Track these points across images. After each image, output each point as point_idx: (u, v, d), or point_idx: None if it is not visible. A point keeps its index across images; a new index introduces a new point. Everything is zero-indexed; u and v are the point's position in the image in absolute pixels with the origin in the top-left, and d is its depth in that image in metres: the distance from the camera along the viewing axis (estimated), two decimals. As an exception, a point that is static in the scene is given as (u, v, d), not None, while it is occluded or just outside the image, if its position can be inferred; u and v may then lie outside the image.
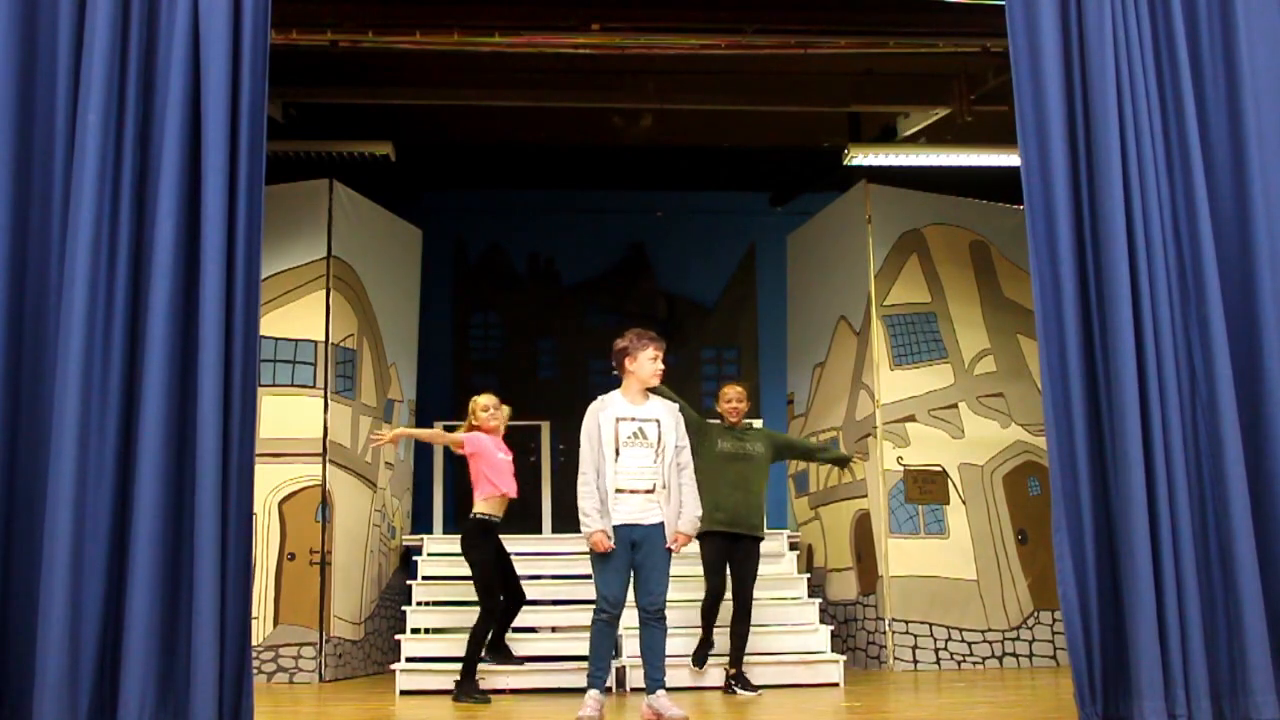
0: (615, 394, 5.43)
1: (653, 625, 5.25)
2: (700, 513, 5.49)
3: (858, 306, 8.31)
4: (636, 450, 5.24)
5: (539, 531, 8.89)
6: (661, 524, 5.25)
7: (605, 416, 5.31)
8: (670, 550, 5.28)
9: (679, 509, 5.29)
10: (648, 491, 5.24)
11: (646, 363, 5.35)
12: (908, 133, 8.49)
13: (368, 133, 8.27)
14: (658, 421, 5.33)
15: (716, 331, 11.04)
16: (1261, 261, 4.34)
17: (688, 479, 5.37)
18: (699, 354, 11.01)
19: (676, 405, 5.55)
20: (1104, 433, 4.24)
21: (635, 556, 5.21)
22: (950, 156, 8.37)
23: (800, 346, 9.48)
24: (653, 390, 5.47)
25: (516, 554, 7.91)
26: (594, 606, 5.27)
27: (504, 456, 6.54)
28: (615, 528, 5.20)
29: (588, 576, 7.68)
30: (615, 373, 5.51)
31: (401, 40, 6.56)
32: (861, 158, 8.46)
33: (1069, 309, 4.29)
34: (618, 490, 5.20)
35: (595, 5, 6.44)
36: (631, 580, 5.30)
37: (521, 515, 9.80)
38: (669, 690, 5.37)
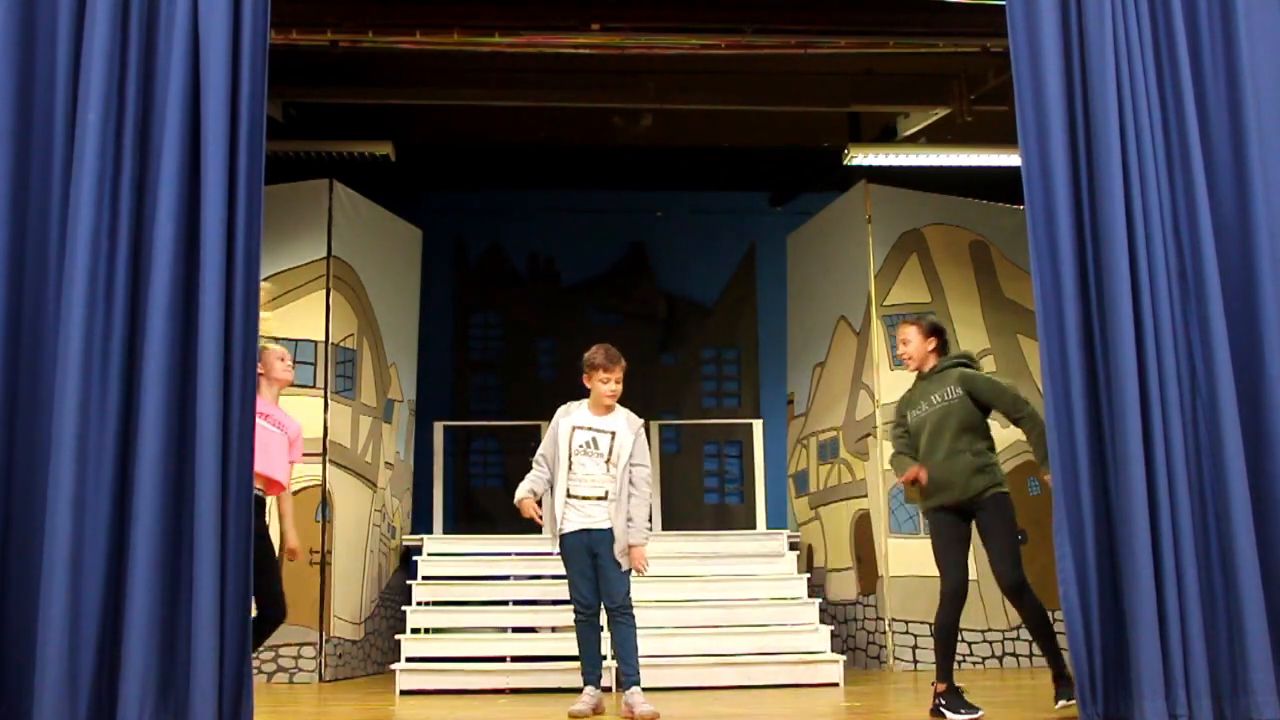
0: (583, 403, 5.64)
1: (619, 621, 5.41)
2: (648, 528, 5.58)
3: (858, 306, 8.31)
4: (586, 459, 5.48)
5: (539, 531, 8.87)
6: (611, 529, 5.42)
7: (565, 424, 5.56)
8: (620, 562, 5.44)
9: (627, 520, 5.43)
10: (599, 498, 5.46)
11: (598, 384, 5.55)
12: (908, 133, 8.50)
13: (368, 133, 8.28)
14: (613, 434, 5.53)
15: (716, 331, 11.04)
16: (1262, 260, 4.34)
17: (638, 500, 5.51)
18: (699, 354, 11.02)
19: (640, 423, 5.66)
20: (1104, 432, 4.24)
21: (596, 558, 5.42)
22: (950, 156, 8.38)
23: (800, 346, 9.48)
24: None
25: (517, 554, 7.95)
26: (572, 608, 5.53)
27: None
28: (573, 533, 5.45)
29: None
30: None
31: (401, 40, 6.56)
32: (861, 158, 8.46)
33: (1069, 309, 4.29)
34: (570, 496, 5.45)
35: (595, 5, 6.45)
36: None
37: (521, 515, 9.84)
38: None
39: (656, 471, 5.77)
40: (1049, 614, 5.26)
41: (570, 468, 5.47)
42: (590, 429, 5.53)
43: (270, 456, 5.28)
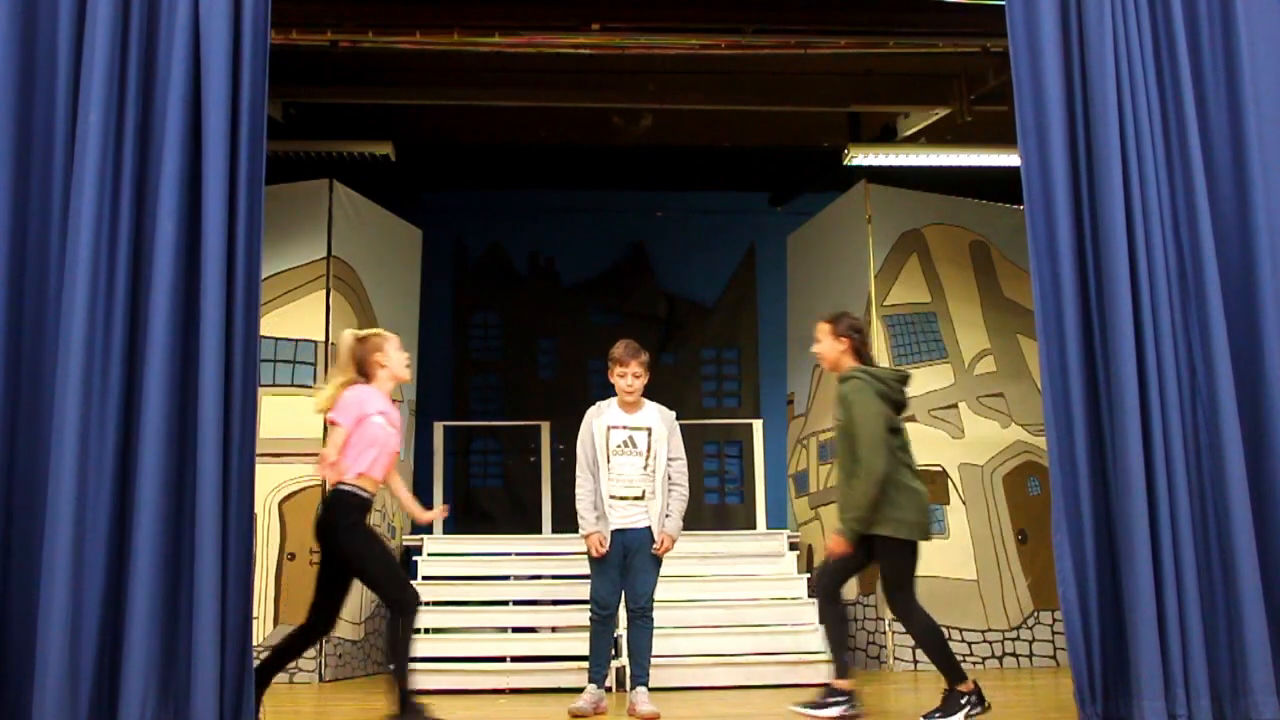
0: (612, 401, 5.61)
1: (639, 623, 5.44)
2: (680, 524, 5.49)
3: (858, 306, 8.31)
4: (626, 458, 5.44)
5: (539, 531, 8.89)
6: (649, 528, 5.43)
7: (599, 424, 5.53)
8: (655, 554, 5.45)
9: (664, 513, 5.45)
10: (637, 498, 5.44)
11: (615, 378, 5.55)
12: (908, 133, 8.49)
13: (368, 133, 8.28)
14: (649, 430, 5.51)
15: (716, 331, 11.04)
16: (1262, 261, 4.34)
17: (678, 494, 5.51)
18: (699, 354, 11.02)
19: (673, 415, 5.65)
20: (1104, 432, 4.24)
21: (627, 558, 5.41)
22: (950, 156, 8.37)
23: (800, 346, 9.46)
24: None
25: (517, 554, 7.95)
26: (589, 607, 5.50)
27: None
28: (611, 533, 5.42)
29: (586, 576, 7.72)
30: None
31: (401, 40, 6.56)
32: (861, 158, 8.46)
33: (1069, 309, 4.29)
34: (610, 496, 5.41)
35: (595, 5, 6.45)
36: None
37: (521, 515, 9.85)
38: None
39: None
40: (942, 631, 5.04)
41: (609, 467, 5.44)
42: (626, 427, 5.49)
43: (390, 456, 4.83)
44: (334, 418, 4.72)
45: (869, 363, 5.06)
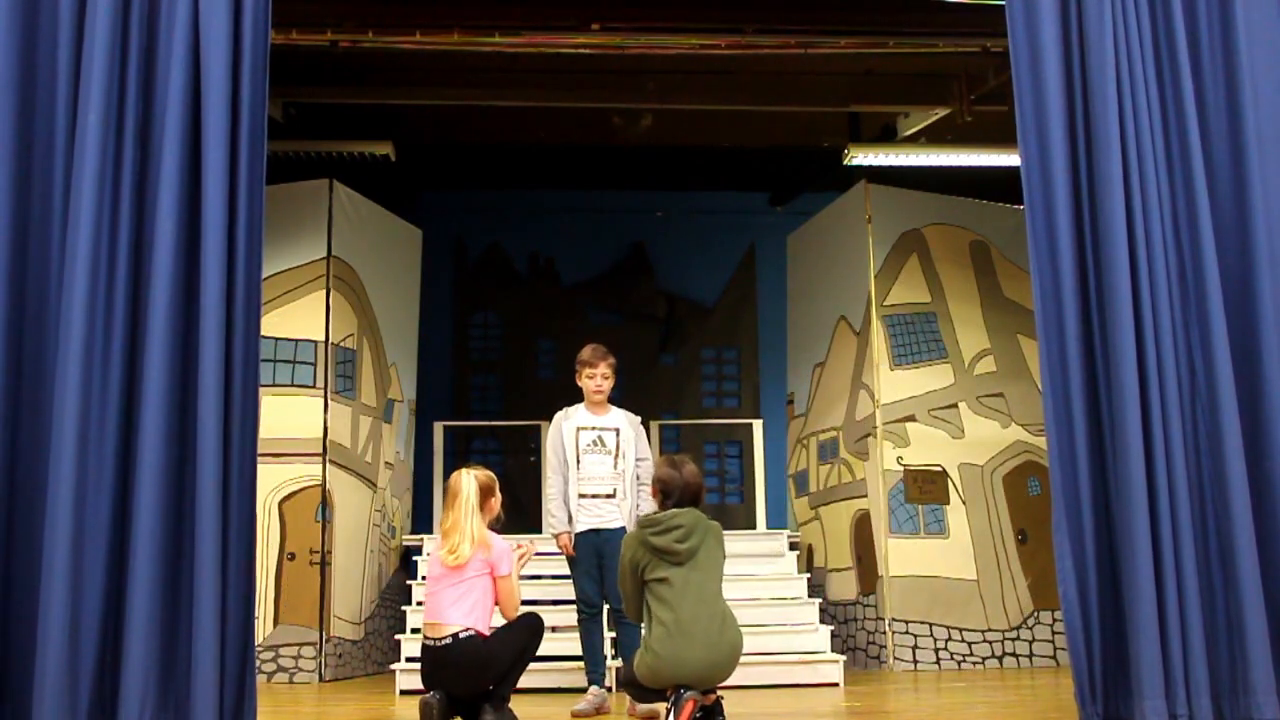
0: (578, 405, 5.75)
1: (625, 622, 5.44)
2: None
3: (858, 306, 8.31)
4: (596, 457, 5.60)
5: (538, 531, 8.89)
6: (623, 528, 5.51)
7: (568, 426, 5.67)
8: None
9: (633, 513, 5.55)
10: (608, 496, 5.57)
11: (585, 380, 5.69)
12: (908, 133, 8.50)
13: (368, 133, 8.28)
14: (616, 431, 5.66)
15: (716, 331, 11.04)
16: (1261, 261, 4.34)
17: (647, 494, 5.54)
18: (699, 354, 11.02)
19: (638, 419, 5.80)
20: (1104, 432, 4.24)
21: (602, 559, 5.51)
22: (950, 156, 8.38)
23: (800, 346, 9.48)
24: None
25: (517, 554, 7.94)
26: (575, 608, 5.64)
27: None
28: (582, 533, 5.53)
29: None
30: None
31: (401, 40, 6.57)
32: (861, 158, 8.47)
33: (1069, 309, 4.30)
34: (580, 495, 5.55)
35: (595, 5, 6.45)
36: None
37: (521, 515, 9.84)
38: None
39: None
40: None
41: (579, 467, 5.55)
42: (595, 428, 5.63)
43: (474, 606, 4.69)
44: (506, 571, 4.69)
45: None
